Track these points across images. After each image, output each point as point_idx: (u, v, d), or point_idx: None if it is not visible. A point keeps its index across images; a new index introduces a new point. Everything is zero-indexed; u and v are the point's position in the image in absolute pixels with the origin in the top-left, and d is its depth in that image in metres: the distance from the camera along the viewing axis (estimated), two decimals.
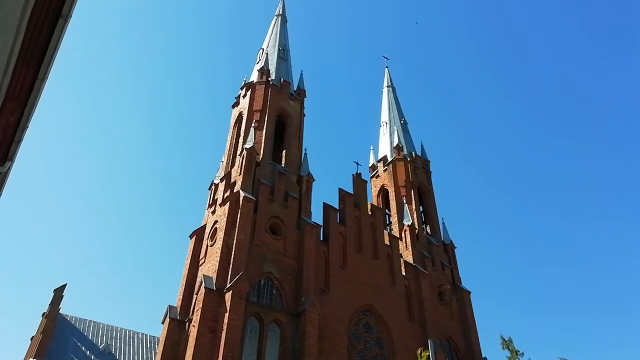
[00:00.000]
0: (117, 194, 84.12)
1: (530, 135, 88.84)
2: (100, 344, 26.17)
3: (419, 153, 37.58)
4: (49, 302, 25.28)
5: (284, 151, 29.12)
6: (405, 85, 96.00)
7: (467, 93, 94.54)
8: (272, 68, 32.44)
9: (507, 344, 35.69)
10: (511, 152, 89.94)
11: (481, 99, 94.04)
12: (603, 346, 67.39)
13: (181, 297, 23.61)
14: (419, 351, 17.27)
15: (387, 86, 43.34)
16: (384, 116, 40.87)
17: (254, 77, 31.91)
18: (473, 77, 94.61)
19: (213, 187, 27.72)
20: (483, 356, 28.00)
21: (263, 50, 34.52)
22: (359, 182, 30.86)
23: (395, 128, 38.47)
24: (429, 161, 37.78)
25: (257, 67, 32.46)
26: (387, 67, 45.49)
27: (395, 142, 36.75)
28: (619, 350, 65.87)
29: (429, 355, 16.97)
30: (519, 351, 34.74)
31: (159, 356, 21.76)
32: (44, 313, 25.05)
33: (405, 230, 31.20)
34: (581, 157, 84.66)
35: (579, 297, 76.39)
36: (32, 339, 25.02)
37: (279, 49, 34.59)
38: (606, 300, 73.33)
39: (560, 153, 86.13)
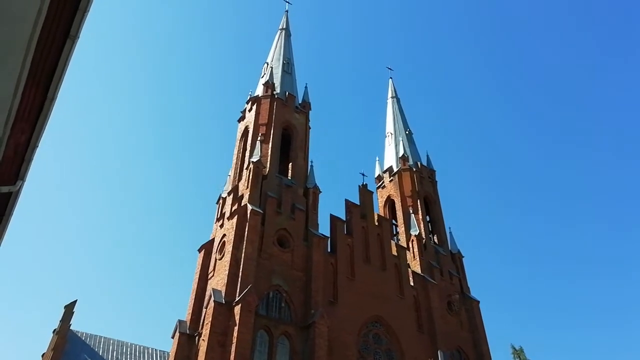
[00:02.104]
0: (126, 210, 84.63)
1: (536, 143, 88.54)
2: None
3: (424, 163, 37.64)
4: (60, 319, 25.41)
5: (290, 164, 29.31)
6: (409, 96, 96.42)
7: (472, 101, 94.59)
8: (277, 82, 32.79)
9: (518, 353, 35.43)
10: (517, 160, 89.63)
11: (486, 107, 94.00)
12: (616, 353, 66.31)
13: (191, 311, 23.67)
14: None
15: (392, 97, 43.55)
16: (389, 127, 41.02)
17: (259, 91, 32.25)
18: (477, 85, 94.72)
19: (221, 201, 27.90)
20: None
21: (268, 64, 34.91)
22: (365, 193, 30.91)
23: (401, 138, 38.60)
24: (435, 171, 37.81)
25: (262, 81, 32.82)
26: (391, 78, 45.79)
27: (401, 153, 36.86)
28: (631, 357, 64.79)
29: None
30: None
31: None
32: (54, 329, 25.16)
33: (413, 241, 31.15)
34: (591, 163, 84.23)
35: (589, 305, 75.44)
36: (43, 355, 25.12)
37: (283, 63, 34.98)
38: (619, 306, 72.26)
39: (568, 160, 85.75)
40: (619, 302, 72.75)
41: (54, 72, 6.08)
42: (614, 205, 79.95)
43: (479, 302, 30.71)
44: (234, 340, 19.64)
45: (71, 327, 25.95)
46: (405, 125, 40.55)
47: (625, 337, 69.28)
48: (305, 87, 34.03)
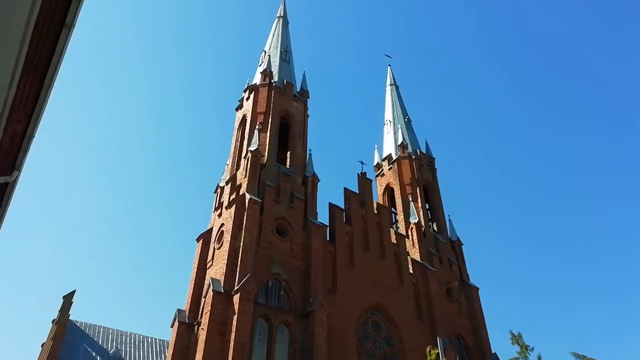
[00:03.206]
0: (123, 200, 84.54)
1: (536, 128, 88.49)
2: (111, 349, 26.33)
3: (423, 150, 37.54)
4: (59, 309, 25.46)
5: (289, 152, 29.18)
6: (408, 83, 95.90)
7: (471, 87, 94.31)
8: (275, 70, 32.52)
9: (517, 339, 35.52)
10: (517, 145, 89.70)
11: (485, 92, 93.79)
12: (614, 337, 67.02)
13: (189, 300, 23.70)
14: (428, 349, 17.21)
15: (390, 84, 43.32)
16: (388, 114, 40.85)
17: (257, 79, 32.00)
18: (477, 71, 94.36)
19: (219, 190, 27.81)
20: (493, 352, 27.92)
21: (265, 53, 34.59)
22: (364, 181, 30.85)
23: (399, 126, 38.45)
24: (434, 158, 37.73)
25: (260, 69, 32.56)
26: (389, 65, 45.51)
27: (400, 140, 36.75)
28: (631, 339, 65.50)
29: (439, 352, 16.93)
30: (528, 346, 34.56)
31: None
32: (54, 319, 25.22)
33: (412, 228, 31.18)
34: (591, 147, 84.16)
35: (587, 290, 76.04)
36: (42, 345, 25.21)
37: (281, 51, 34.67)
38: (616, 290, 72.81)
39: (567, 145, 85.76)
40: (619, 284, 73.11)
41: (50, 61, 5.95)
42: (617, 184, 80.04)
43: (478, 289, 30.85)
44: (233, 329, 19.69)
45: (70, 317, 26.01)
46: (404, 113, 40.37)
47: (624, 320, 69.91)
48: (304, 75, 33.83)
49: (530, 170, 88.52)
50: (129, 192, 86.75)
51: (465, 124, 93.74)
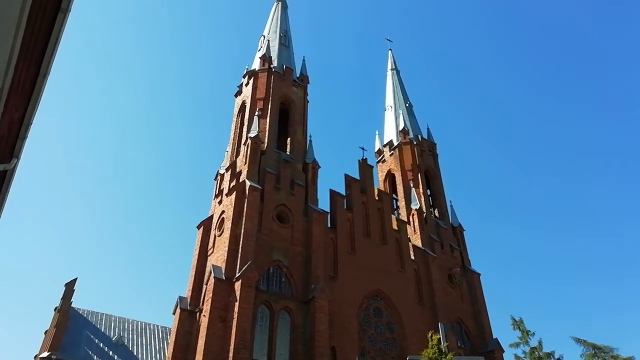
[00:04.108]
0: (124, 188, 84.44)
1: (537, 113, 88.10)
2: (113, 336, 26.45)
3: (425, 136, 37.32)
4: (61, 297, 25.53)
5: (289, 139, 28.98)
6: (409, 68, 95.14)
7: (473, 72, 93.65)
8: (274, 55, 32.15)
9: (518, 324, 35.80)
10: (518, 129, 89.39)
11: (486, 77, 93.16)
12: (613, 318, 67.49)
13: (191, 287, 23.73)
14: (430, 334, 17.23)
15: (391, 69, 42.94)
16: (389, 100, 40.54)
17: (256, 64, 31.65)
18: (479, 55, 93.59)
19: (219, 178, 27.68)
20: (494, 337, 28.07)
21: (264, 37, 34.18)
22: (365, 168, 30.71)
23: (401, 111, 38.18)
24: (436, 144, 37.55)
25: (259, 54, 32.19)
26: (390, 49, 45.07)
27: (401, 126, 36.52)
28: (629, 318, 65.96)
29: (440, 338, 16.94)
30: (529, 331, 34.90)
31: (171, 346, 21.95)
32: (56, 307, 25.30)
33: (413, 214, 31.12)
34: (593, 130, 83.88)
35: (588, 272, 76.40)
36: (46, 333, 25.31)
37: (280, 36, 34.25)
38: (615, 270, 73.13)
39: (569, 129, 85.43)
40: (619, 263, 73.32)
41: (46, 46, 5.80)
42: (617, 163, 79.87)
43: (479, 274, 30.93)
44: (235, 315, 19.74)
45: (72, 305, 26.08)
46: (405, 98, 40.07)
47: (625, 299, 70.29)
48: (303, 60, 33.43)
49: (531, 155, 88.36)
50: (129, 180, 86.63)
51: (466, 109, 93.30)
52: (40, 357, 23.30)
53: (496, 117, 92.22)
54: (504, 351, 27.82)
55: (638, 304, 67.69)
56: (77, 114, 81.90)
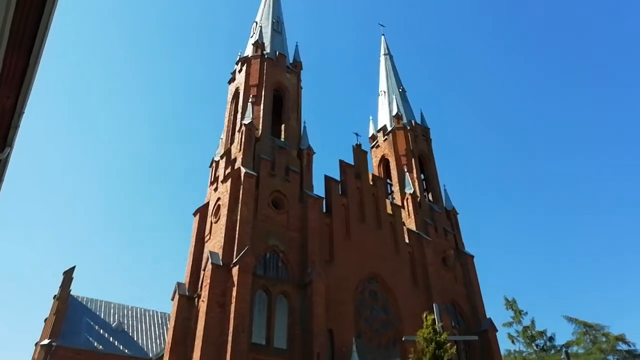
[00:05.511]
0: (119, 175, 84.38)
1: (531, 95, 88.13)
2: (113, 322, 26.79)
3: (418, 121, 37.42)
4: (59, 285, 25.76)
5: (283, 125, 29.04)
6: (402, 52, 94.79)
7: (465, 56, 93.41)
8: (267, 41, 32.05)
9: (511, 304, 36.49)
10: (511, 113, 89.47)
11: (479, 61, 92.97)
12: (605, 296, 68.35)
13: (189, 273, 23.98)
14: (425, 315, 17.57)
15: (384, 54, 42.83)
16: (382, 85, 40.53)
17: (249, 51, 31.56)
18: (471, 38, 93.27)
19: (214, 165, 27.77)
20: (488, 317, 28.53)
21: (257, 24, 34.03)
22: (359, 153, 30.82)
23: (394, 97, 38.21)
24: (429, 128, 37.66)
25: (252, 41, 32.07)
26: (383, 34, 44.89)
27: (395, 111, 36.58)
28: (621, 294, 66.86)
29: (434, 318, 17.28)
30: (522, 311, 35.58)
31: (170, 331, 22.27)
32: (55, 295, 25.54)
33: (407, 199, 31.36)
34: (586, 106, 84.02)
35: (580, 251, 77.22)
36: (45, 320, 25.59)
37: (272, 22, 34.10)
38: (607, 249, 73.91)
39: (563, 110, 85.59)
40: (609, 241, 74.08)
41: (36, 33, 5.87)
42: (612, 137, 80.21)
43: (473, 257, 31.31)
44: (233, 301, 20.00)
45: (71, 293, 26.36)
46: (399, 83, 40.06)
47: (616, 277, 71.23)
48: (296, 46, 33.33)
49: (524, 136, 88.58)
50: (125, 168, 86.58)
51: (459, 93, 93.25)
52: (41, 345, 23.60)
53: (489, 100, 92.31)
54: (497, 330, 28.36)
55: (629, 281, 68.67)
56: (70, 101, 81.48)
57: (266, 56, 30.57)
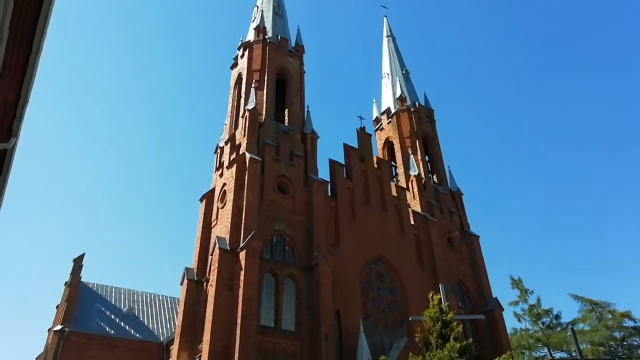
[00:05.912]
0: (127, 163, 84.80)
1: (533, 77, 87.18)
2: (124, 308, 27.22)
3: (422, 103, 37.23)
4: (70, 272, 26.17)
5: (286, 110, 29.00)
6: (405, 34, 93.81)
7: (468, 37, 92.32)
8: (268, 25, 31.84)
9: (517, 283, 36.63)
10: (514, 93, 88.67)
11: (482, 42, 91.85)
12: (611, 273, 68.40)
13: (197, 258, 24.28)
14: (431, 294, 17.69)
15: (387, 36, 42.47)
16: (385, 67, 40.26)
17: (251, 36, 31.39)
18: (473, 19, 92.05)
19: (219, 151, 27.87)
20: (494, 296, 28.72)
21: (258, 8, 33.77)
22: (364, 136, 30.78)
23: (397, 79, 37.96)
24: (433, 110, 37.48)
25: (253, 25, 31.87)
26: (385, 16, 44.47)
27: (398, 94, 36.39)
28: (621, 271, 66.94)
29: (441, 298, 17.41)
30: (528, 290, 35.74)
31: (180, 316, 22.64)
32: (66, 282, 25.96)
33: (412, 181, 31.40)
34: (590, 88, 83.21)
35: (585, 230, 77.11)
36: (57, 307, 26.07)
37: (274, 5, 33.82)
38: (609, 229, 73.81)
39: (567, 88, 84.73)
40: (616, 219, 73.92)
41: (37, 23, 5.90)
42: (614, 120, 79.64)
43: (478, 237, 31.40)
44: (241, 284, 20.25)
45: (82, 279, 26.76)
46: (402, 65, 39.77)
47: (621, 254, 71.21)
48: (298, 29, 33.07)
49: (527, 116, 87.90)
50: (133, 156, 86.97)
51: (463, 74, 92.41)
52: (54, 330, 24.07)
53: (492, 81, 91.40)
54: (503, 309, 28.57)
55: (634, 259, 68.67)
56: (73, 91, 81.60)
57: (268, 40, 30.41)
